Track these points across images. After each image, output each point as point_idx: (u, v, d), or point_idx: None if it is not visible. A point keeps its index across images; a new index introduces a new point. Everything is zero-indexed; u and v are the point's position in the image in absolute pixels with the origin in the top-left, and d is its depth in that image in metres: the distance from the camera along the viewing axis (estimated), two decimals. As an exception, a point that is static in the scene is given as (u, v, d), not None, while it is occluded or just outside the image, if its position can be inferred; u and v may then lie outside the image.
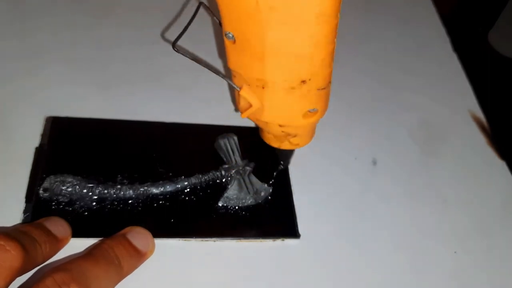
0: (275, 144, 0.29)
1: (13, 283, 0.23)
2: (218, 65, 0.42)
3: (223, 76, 0.26)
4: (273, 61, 0.22)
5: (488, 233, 0.36)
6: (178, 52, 0.25)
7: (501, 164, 0.41)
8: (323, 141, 0.39)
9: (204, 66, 0.26)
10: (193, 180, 0.33)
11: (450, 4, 1.28)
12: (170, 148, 0.35)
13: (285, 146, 0.29)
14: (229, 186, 0.33)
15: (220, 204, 0.33)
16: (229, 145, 0.34)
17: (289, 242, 0.32)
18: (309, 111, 0.26)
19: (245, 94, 0.25)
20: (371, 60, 0.48)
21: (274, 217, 0.33)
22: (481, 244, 0.36)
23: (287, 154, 0.32)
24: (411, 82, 0.46)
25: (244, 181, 0.33)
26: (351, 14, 0.52)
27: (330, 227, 0.34)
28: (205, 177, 0.33)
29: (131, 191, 0.31)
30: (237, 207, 0.33)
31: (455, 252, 0.35)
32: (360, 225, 0.35)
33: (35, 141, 0.33)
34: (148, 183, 0.32)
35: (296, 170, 0.36)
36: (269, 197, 0.34)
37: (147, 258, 0.28)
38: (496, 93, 1.04)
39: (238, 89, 0.26)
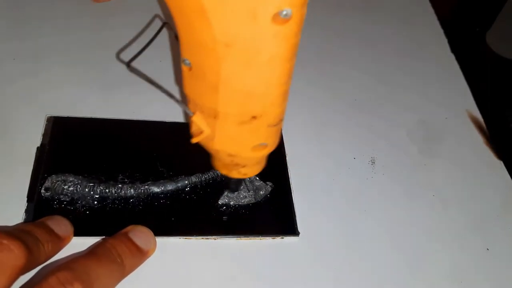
0: (223, 171, 0.30)
1: (16, 281, 0.23)
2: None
3: (177, 101, 0.26)
4: (226, 94, 0.23)
5: (486, 233, 0.37)
6: (132, 72, 0.25)
7: (499, 164, 0.42)
8: (322, 141, 0.40)
9: (158, 89, 0.25)
10: (193, 179, 0.33)
11: (448, 5, 1.29)
12: (170, 147, 0.35)
13: (233, 175, 0.30)
14: (229, 185, 0.33)
15: (220, 203, 0.33)
16: None
17: (288, 240, 0.33)
18: (259, 145, 0.26)
19: (197, 120, 0.25)
20: (370, 61, 0.48)
21: (273, 215, 0.34)
22: (479, 243, 0.36)
23: (234, 182, 0.33)
24: (409, 83, 0.47)
25: (244, 180, 0.34)
26: (350, 15, 0.53)
27: (329, 225, 0.34)
28: (205, 176, 0.33)
29: (132, 190, 0.31)
30: (237, 206, 0.33)
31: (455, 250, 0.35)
32: (359, 223, 0.35)
33: (37, 141, 0.33)
34: (149, 182, 0.32)
35: (295, 169, 0.37)
36: (268, 195, 0.34)
37: (149, 257, 0.28)
38: (493, 93, 1.04)
39: (191, 114, 0.26)
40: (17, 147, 0.33)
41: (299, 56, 0.48)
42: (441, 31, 0.54)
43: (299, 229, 0.33)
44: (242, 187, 0.33)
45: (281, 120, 0.26)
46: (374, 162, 0.39)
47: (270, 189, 0.34)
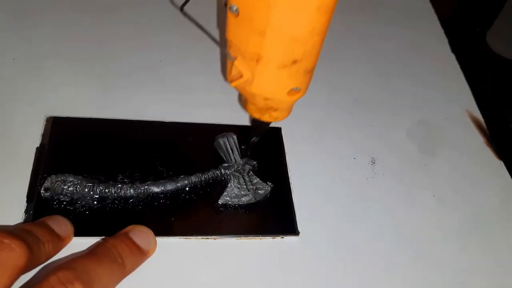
0: (256, 115, 0.31)
1: (16, 281, 0.23)
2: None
3: (220, 45, 0.28)
4: (272, 39, 0.24)
5: (486, 232, 0.37)
6: (185, 16, 0.28)
7: (499, 164, 0.42)
8: (322, 141, 0.40)
9: (204, 32, 0.28)
10: (193, 179, 0.33)
11: (448, 5, 1.29)
12: (170, 147, 0.35)
13: (265, 118, 0.31)
14: (229, 185, 0.33)
15: (220, 202, 0.33)
16: (229, 144, 0.35)
17: (289, 239, 0.33)
18: (293, 89, 0.27)
19: (239, 64, 0.27)
20: (370, 61, 0.48)
21: (273, 215, 0.34)
22: (480, 243, 0.36)
23: (262, 127, 0.33)
24: (409, 83, 0.47)
25: (244, 179, 0.34)
26: (350, 15, 0.53)
27: (329, 225, 0.34)
28: (205, 176, 0.33)
29: (132, 190, 0.31)
30: (236, 205, 0.33)
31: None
32: (359, 223, 0.35)
33: (36, 141, 0.33)
34: (149, 182, 0.32)
35: (296, 169, 0.37)
36: (268, 195, 0.34)
37: (149, 256, 0.28)
38: (493, 93, 1.04)
39: (233, 59, 0.27)
40: (16, 147, 0.33)
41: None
42: (441, 31, 0.54)
43: (299, 228, 0.33)
44: (241, 186, 0.33)
45: (314, 66, 0.27)
46: (374, 162, 0.39)
47: (269, 189, 0.34)
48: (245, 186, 0.33)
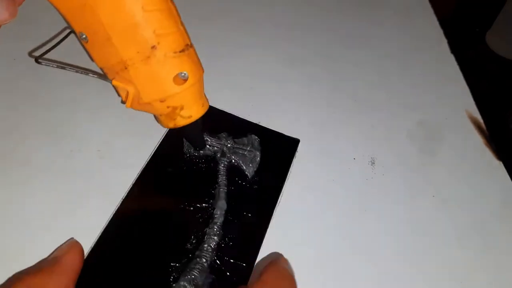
0: (171, 124, 0.30)
1: None
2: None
3: (94, 75, 0.28)
4: (119, 38, 0.24)
5: (486, 233, 0.37)
6: (42, 64, 0.28)
7: (498, 164, 0.42)
8: (322, 141, 0.40)
9: (72, 71, 0.28)
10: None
11: (448, 5, 1.29)
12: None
13: (179, 122, 0.29)
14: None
15: (248, 175, 0.34)
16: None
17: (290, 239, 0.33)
18: (178, 77, 0.26)
19: (118, 83, 0.27)
20: (370, 61, 0.48)
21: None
22: (479, 243, 0.36)
23: (190, 135, 0.32)
24: (409, 83, 0.47)
25: (239, 152, 0.34)
26: (350, 15, 0.53)
27: (329, 225, 0.34)
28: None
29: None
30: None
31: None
32: (359, 224, 0.35)
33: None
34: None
35: (295, 170, 0.37)
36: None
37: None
38: (493, 93, 1.04)
39: (110, 81, 0.27)
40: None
41: (298, 56, 0.49)
42: (441, 31, 0.54)
43: (299, 229, 0.33)
44: (246, 157, 0.34)
45: (187, 44, 0.26)
46: (374, 163, 0.39)
47: (256, 137, 0.35)
48: (247, 155, 0.34)
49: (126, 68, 0.26)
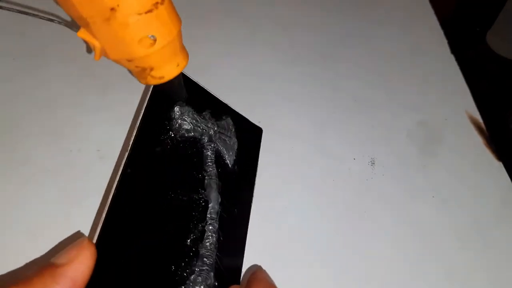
0: (142, 81, 0.28)
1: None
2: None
3: (60, 22, 0.26)
4: None
5: (486, 233, 0.37)
6: (2, 8, 0.26)
7: (498, 165, 0.42)
8: (322, 141, 0.40)
9: (34, 16, 0.26)
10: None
11: (448, 5, 1.29)
12: None
13: (150, 81, 0.28)
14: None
15: (229, 164, 0.31)
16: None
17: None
18: (146, 39, 0.25)
19: (82, 35, 0.25)
20: (370, 61, 0.48)
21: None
22: (479, 243, 0.36)
23: (169, 90, 0.30)
24: (409, 83, 0.47)
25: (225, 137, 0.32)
26: (349, 15, 0.53)
27: (329, 225, 0.34)
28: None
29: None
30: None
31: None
32: (358, 224, 0.35)
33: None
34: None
35: (295, 170, 0.37)
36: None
37: None
38: (493, 93, 1.04)
39: (75, 31, 0.25)
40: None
41: (298, 56, 0.48)
42: (441, 31, 0.54)
43: (300, 229, 0.33)
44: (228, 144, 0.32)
45: (155, 3, 0.24)
46: (374, 163, 0.39)
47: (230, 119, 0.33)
48: (230, 141, 0.32)
49: (88, 25, 0.24)
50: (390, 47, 0.50)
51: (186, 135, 0.30)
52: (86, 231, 0.30)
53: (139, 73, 0.27)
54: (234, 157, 0.32)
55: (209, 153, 0.31)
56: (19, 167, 0.32)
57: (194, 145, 0.30)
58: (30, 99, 0.36)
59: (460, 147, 0.42)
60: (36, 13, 0.26)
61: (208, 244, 0.28)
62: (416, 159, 0.40)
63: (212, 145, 0.31)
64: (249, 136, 0.35)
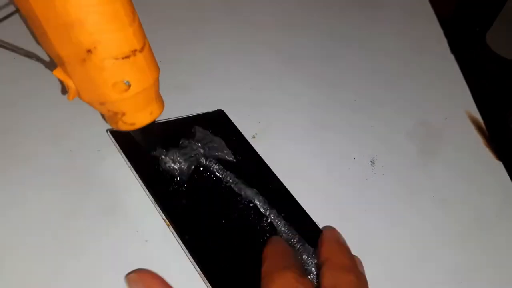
0: (113, 126, 0.28)
1: None
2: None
3: (38, 60, 0.28)
4: (54, 35, 0.22)
5: (486, 233, 0.37)
6: None
7: (498, 165, 0.42)
8: (321, 141, 0.40)
9: (15, 52, 0.27)
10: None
11: (448, 5, 1.29)
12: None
13: (121, 127, 0.27)
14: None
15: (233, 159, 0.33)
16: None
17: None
18: (120, 84, 0.24)
19: (58, 74, 0.25)
20: (370, 61, 0.48)
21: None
22: (479, 243, 0.36)
23: (140, 138, 0.29)
24: (409, 83, 0.47)
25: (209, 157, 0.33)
26: (349, 15, 0.53)
27: (329, 226, 0.34)
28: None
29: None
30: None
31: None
32: (358, 224, 0.35)
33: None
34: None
35: (295, 170, 0.37)
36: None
37: None
38: (493, 94, 1.04)
39: (51, 70, 0.25)
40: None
41: (298, 56, 0.48)
42: (441, 31, 0.54)
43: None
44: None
45: (132, 51, 0.23)
46: (374, 163, 0.39)
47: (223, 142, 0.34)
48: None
49: (63, 64, 0.24)
50: (390, 47, 0.50)
51: (189, 172, 0.31)
52: (84, 231, 0.30)
53: (111, 117, 0.27)
54: (230, 150, 0.34)
55: (215, 167, 0.32)
56: (19, 167, 0.32)
57: (199, 172, 0.32)
58: (30, 98, 0.36)
59: (460, 146, 0.42)
60: (14, 49, 0.27)
61: (282, 229, 0.31)
62: (416, 159, 0.40)
63: (210, 159, 0.33)
64: (218, 123, 0.36)
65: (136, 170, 0.29)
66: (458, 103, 0.46)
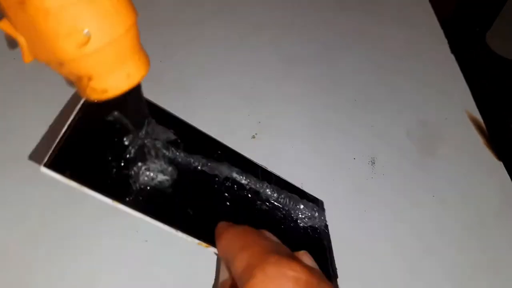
0: (82, 94, 0.21)
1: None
2: None
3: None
4: None
5: (486, 232, 0.37)
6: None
7: (498, 165, 0.42)
8: (322, 141, 0.40)
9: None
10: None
11: (448, 5, 1.29)
12: None
13: (91, 95, 0.21)
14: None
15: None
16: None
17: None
18: (76, 36, 0.18)
19: (4, 26, 0.19)
20: (370, 61, 0.48)
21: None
22: (479, 243, 0.36)
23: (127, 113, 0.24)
24: (409, 83, 0.47)
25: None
26: (350, 15, 0.53)
27: (329, 226, 0.34)
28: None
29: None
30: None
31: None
32: (358, 224, 0.35)
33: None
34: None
35: (294, 170, 0.37)
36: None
37: None
38: (493, 93, 1.04)
39: None
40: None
41: (298, 56, 0.48)
42: (441, 31, 0.54)
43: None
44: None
45: None
46: (374, 163, 0.39)
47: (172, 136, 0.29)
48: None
49: (6, 13, 0.19)
50: (390, 47, 0.50)
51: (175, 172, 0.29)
52: (84, 230, 0.30)
53: (79, 84, 0.21)
54: (170, 137, 0.29)
55: (181, 156, 0.29)
56: (19, 167, 0.33)
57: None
58: (30, 99, 0.36)
59: (460, 146, 0.42)
60: None
61: (267, 191, 0.31)
62: (416, 159, 0.40)
63: (169, 148, 0.29)
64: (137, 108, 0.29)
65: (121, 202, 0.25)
66: (458, 103, 0.46)
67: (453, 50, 0.51)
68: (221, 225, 0.26)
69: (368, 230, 0.35)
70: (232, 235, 0.24)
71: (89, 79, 0.20)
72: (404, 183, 0.38)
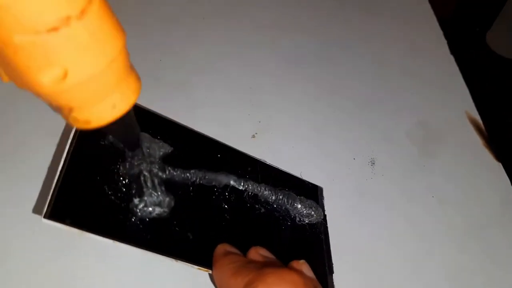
0: (69, 122, 0.19)
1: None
2: None
3: None
4: None
5: (485, 233, 0.37)
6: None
7: (497, 165, 0.42)
8: (322, 141, 0.40)
9: None
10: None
11: (448, 5, 1.29)
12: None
13: (75, 124, 0.19)
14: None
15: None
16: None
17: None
18: (53, 71, 0.16)
19: None
20: (370, 62, 0.48)
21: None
22: (478, 243, 0.36)
23: (117, 133, 0.23)
24: (409, 84, 0.47)
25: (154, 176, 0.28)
26: (350, 15, 0.53)
27: (329, 226, 0.34)
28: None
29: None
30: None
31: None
32: (358, 224, 0.35)
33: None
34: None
35: (295, 170, 0.37)
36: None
37: None
38: (493, 94, 1.04)
39: None
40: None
41: (298, 56, 0.48)
42: (440, 32, 0.54)
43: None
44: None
45: (62, 19, 0.15)
46: (373, 163, 0.39)
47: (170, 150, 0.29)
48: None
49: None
50: (390, 47, 0.50)
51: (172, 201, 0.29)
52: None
53: (58, 112, 0.19)
54: (166, 150, 0.30)
55: (177, 173, 0.29)
56: (19, 167, 0.32)
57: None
58: (30, 98, 0.36)
59: (459, 147, 0.42)
60: None
61: (265, 193, 0.32)
62: (415, 159, 0.41)
63: (165, 167, 0.29)
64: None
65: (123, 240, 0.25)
66: (458, 103, 0.46)
67: (453, 51, 0.51)
68: (218, 252, 0.27)
69: (368, 230, 0.35)
70: (222, 266, 0.26)
71: (70, 110, 0.18)
72: (403, 183, 0.39)
